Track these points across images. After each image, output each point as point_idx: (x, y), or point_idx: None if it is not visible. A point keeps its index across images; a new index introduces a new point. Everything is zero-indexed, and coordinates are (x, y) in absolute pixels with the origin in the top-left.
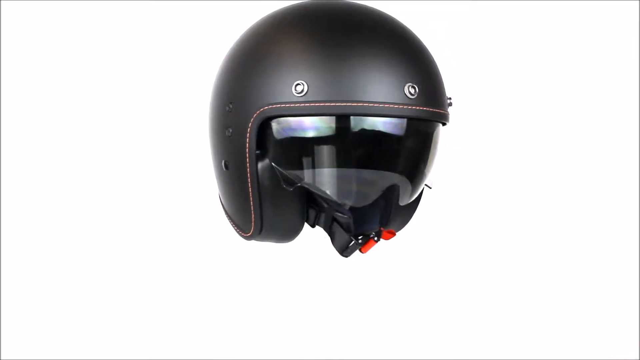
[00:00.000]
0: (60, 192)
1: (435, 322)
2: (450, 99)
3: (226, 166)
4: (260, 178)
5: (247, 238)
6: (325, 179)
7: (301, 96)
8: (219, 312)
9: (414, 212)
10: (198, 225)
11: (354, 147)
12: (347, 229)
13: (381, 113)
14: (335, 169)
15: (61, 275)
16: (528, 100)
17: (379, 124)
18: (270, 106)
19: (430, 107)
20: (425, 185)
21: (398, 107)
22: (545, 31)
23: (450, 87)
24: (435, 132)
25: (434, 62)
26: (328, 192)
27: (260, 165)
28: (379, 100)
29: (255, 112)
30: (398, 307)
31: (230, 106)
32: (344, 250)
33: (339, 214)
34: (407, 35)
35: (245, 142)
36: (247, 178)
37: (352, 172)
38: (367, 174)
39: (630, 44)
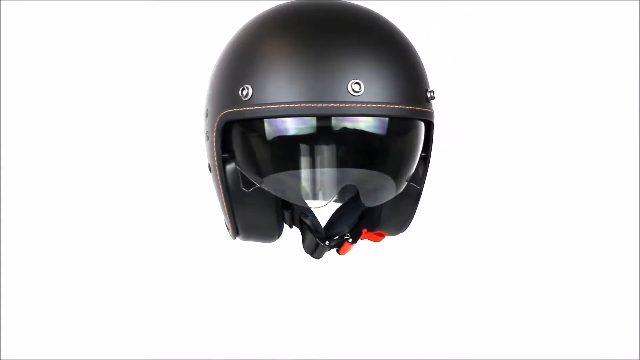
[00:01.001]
0: (59, 192)
1: (432, 322)
2: (432, 92)
3: (209, 168)
4: (229, 180)
5: (233, 237)
6: (278, 180)
7: (247, 100)
8: (218, 312)
9: (411, 214)
10: (197, 225)
11: (301, 148)
12: (314, 230)
13: (320, 113)
14: (286, 171)
15: (61, 275)
16: (527, 99)
17: (324, 123)
18: (227, 110)
19: (380, 103)
20: (412, 184)
21: (340, 105)
22: (543, 30)
23: (448, 87)
24: (397, 128)
25: (398, 55)
26: (282, 193)
27: (228, 168)
28: (320, 100)
29: (217, 117)
30: (393, 307)
31: (206, 111)
32: (313, 252)
33: (303, 215)
34: (364, 30)
35: (213, 146)
36: (218, 180)
37: (303, 173)
38: (318, 174)
39: (630, 44)
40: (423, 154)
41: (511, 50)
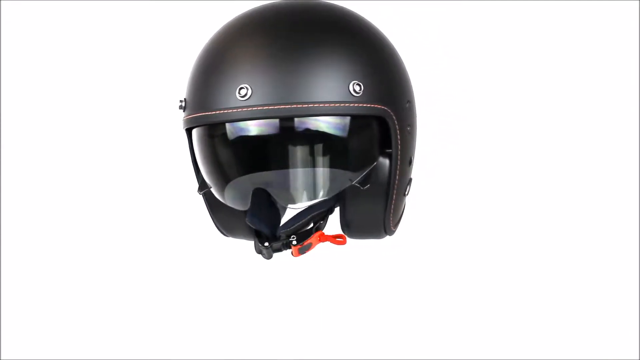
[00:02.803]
0: (58, 192)
1: (429, 322)
2: (359, 84)
3: None
4: (200, 184)
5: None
6: (212, 184)
7: (182, 109)
8: (216, 311)
9: (379, 215)
10: (196, 224)
11: (218, 153)
12: (256, 233)
13: (214, 120)
14: (214, 175)
15: (60, 275)
16: (525, 98)
17: (226, 129)
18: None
19: (265, 105)
20: (356, 183)
21: (230, 112)
22: (538, 30)
23: (446, 87)
24: (293, 128)
25: (299, 54)
26: (219, 197)
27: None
28: (217, 107)
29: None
30: (390, 306)
31: None
32: (259, 252)
33: (246, 217)
34: (268, 33)
35: None
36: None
37: (215, 181)
38: (233, 178)
39: (629, 43)
40: (388, 150)
41: (510, 50)
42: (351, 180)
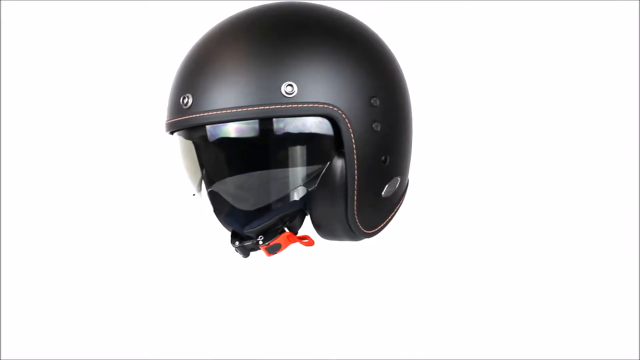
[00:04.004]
0: (58, 192)
1: (427, 322)
2: (290, 85)
3: None
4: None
5: None
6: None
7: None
8: (213, 310)
9: (340, 216)
10: (195, 224)
11: (180, 158)
12: (232, 233)
13: (168, 130)
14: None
15: (60, 276)
16: (524, 97)
17: (180, 136)
18: None
19: (201, 112)
20: (304, 185)
21: (176, 121)
22: (538, 29)
23: (447, 87)
24: (225, 133)
25: (234, 60)
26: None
27: None
28: (169, 116)
29: None
30: (387, 306)
31: None
32: (237, 251)
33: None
34: (220, 42)
35: None
36: None
37: (191, 180)
38: (194, 182)
39: (629, 43)
40: (343, 150)
41: (509, 50)
42: (299, 183)
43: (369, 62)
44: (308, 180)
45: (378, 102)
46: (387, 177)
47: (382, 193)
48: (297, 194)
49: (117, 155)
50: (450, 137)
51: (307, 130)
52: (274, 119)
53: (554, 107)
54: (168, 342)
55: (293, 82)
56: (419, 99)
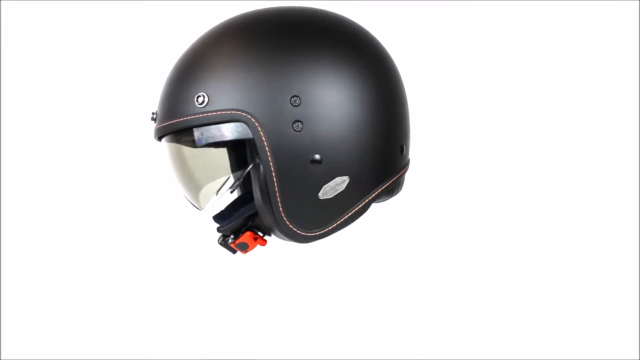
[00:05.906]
0: (58, 192)
1: (424, 322)
2: (201, 95)
3: None
4: None
5: None
6: None
7: None
8: (212, 310)
9: (269, 220)
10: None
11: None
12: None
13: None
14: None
15: (60, 276)
16: (523, 97)
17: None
18: None
19: (162, 124)
20: (228, 188)
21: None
22: (537, 29)
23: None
24: (172, 143)
25: (178, 70)
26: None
27: None
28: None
29: None
30: (384, 306)
31: None
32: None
33: None
34: (191, 52)
35: None
36: None
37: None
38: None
39: (629, 43)
40: (257, 161)
41: (508, 50)
42: (226, 187)
43: (286, 60)
44: (232, 185)
45: (300, 101)
46: (324, 177)
47: (319, 194)
48: (225, 199)
49: (117, 155)
50: (450, 136)
51: (226, 137)
52: (194, 129)
53: (552, 107)
54: (167, 342)
55: (204, 92)
56: (414, 97)
